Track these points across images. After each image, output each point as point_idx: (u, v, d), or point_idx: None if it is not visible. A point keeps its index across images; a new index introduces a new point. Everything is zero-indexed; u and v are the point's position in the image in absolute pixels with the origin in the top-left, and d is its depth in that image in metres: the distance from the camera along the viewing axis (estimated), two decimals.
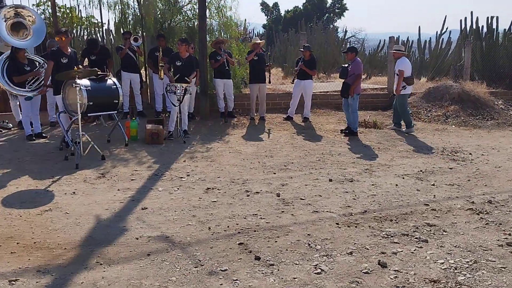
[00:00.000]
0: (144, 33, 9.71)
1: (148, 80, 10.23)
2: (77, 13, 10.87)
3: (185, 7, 10.49)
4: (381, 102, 12.03)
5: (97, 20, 11.36)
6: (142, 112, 9.55)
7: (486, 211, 4.74)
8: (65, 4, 10.50)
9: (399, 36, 23.04)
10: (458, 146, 8.08)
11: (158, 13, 9.41)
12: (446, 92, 11.39)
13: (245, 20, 25.01)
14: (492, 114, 10.77)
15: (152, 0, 9.42)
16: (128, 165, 6.26)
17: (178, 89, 7.59)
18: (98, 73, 6.85)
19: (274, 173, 6.04)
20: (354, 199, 5.08)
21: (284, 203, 4.89)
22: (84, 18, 11.05)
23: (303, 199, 5.01)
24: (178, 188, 5.30)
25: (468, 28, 17.44)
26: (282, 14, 44.97)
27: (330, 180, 5.74)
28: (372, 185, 5.62)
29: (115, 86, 6.90)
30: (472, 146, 8.11)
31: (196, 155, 6.92)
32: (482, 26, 17.18)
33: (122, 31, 9.75)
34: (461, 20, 17.37)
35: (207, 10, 10.44)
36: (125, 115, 9.33)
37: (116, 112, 7.05)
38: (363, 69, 9.14)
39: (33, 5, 10.32)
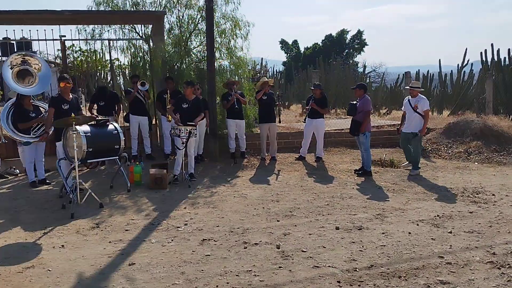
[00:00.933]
0: (152, 76, 9.67)
1: (157, 123, 10.14)
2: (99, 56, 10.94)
3: (195, 49, 10.49)
4: (397, 139, 11.58)
5: (120, 61, 11.43)
6: (151, 155, 9.40)
7: (508, 264, 4.24)
8: (89, 48, 10.58)
9: (418, 70, 22.75)
10: (481, 186, 7.56)
11: (167, 55, 9.36)
12: (467, 127, 10.91)
13: (262, 58, 25.32)
14: None
15: (160, 44, 9.42)
16: (126, 214, 6.00)
17: (182, 132, 7.40)
18: (98, 118, 6.73)
19: (278, 221, 5.67)
20: (361, 250, 4.65)
21: (284, 256, 4.50)
22: (107, 61, 11.11)
23: (305, 251, 4.61)
24: (172, 240, 4.99)
25: (490, 60, 17.00)
26: (301, 51, 45.31)
27: (337, 228, 5.34)
28: (383, 233, 5.18)
29: (116, 131, 6.75)
30: (495, 185, 7.57)
31: (198, 201, 6.63)
32: (504, 58, 16.74)
33: (130, 75, 9.73)
34: (481, 53, 16.96)
35: (218, 51, 10.41)
36: (134, 157, 9.19)
37: (117, 157, 6.87)
38: (372, 106, 8.80)
39: (58, 50, 10.36)
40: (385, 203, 6.52)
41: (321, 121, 9.56)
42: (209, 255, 4.52)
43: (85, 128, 6.46)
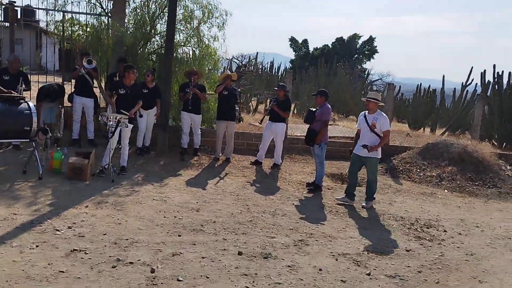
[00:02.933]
0: (101, 56, 8.91)
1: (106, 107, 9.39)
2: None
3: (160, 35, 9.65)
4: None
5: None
6: (93, 141, 8.65)
7: None
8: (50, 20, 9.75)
9: (420, 84, 21.82)
10: (437, 218, 6.74)
11: (121, 36, 8.58)
12: (446, 150, 10.05)
13: (257, 53, 24.47)
14: (495, 181, 9.31)
15: (116, 22, 8.66)
16: (13, 206, 5.28)
17: (110, 120, 6.66)
18: (13, 95, 6.01)
19: (179, 235, 4.92)
20: (247, 287, 3.89)
21: (151, 284, 3.75)
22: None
23: (181, 281, 3.86)
24: (37, 246, 4.26)
25: (491, 82, 16.02)
26: (311, 51, 44.37)
27: (240, 254, 4.57)
28: (289, 266, 4.41)
29: (28, 111, 6.02)
30: (454, 220, 6.76)
31: (108, 199, 5.89)
32: (508, 81, 15.75)
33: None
34: (481, 73, 16.00)
35: (184, 37, 9.65)
36: (73, 143, 8.47)
37: (28, 140, 6.15)
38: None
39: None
40: (317, 227, 5.75)
41: (281, 126, 8.76)
42: (62, 272, 3.79)
43: None
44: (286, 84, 10.43)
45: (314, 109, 7.84)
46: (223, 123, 8.83)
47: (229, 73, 8.91)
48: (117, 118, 6.65)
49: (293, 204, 6.72)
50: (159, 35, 9.56)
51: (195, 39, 9.78)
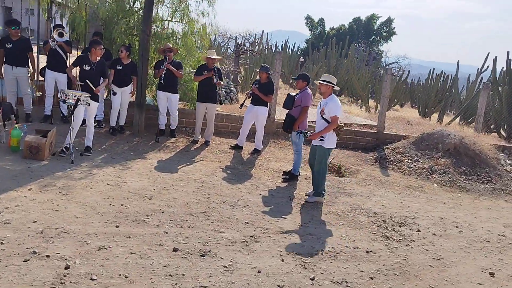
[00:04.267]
0: (76, 30, 8.50)
1: None
2: None
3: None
4: (366, 142, 10.29)
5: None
6: (66, 117, 8.33)
7: None
8: None
9: (433, 69, 20.92)
10: (414, 216, 6.28)
11: (96, 8, 8.16)
12: (441, 141, 9.48)
13: (263, 31, 23.78)
14: (491, 176, 8.75)
15: None
16: None
17: (69, 98, 6.30)
18: None
19: (117, 226, 4.58)
20: None
21: (59, 282, 3.42)
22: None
23: (94, 280, 3.52)
24: None
25: (504, 69, 15.17)
26: (327, 31, 43.25)
27: (175, 250, 4.21)
28: (225, 267, 4.04)
29: None
30: (432, 218, 6.28)
31: (57, 182, 5.56)
32: None
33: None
34: (494, 60, 15.12)
35: (165, 11, 9.19)
36: (45, 118, 8.17)
37: None
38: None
39: None
40: (276, 222, 5.35)
41: (263, 110, 8.30)
42: None
43: None
44: (276, 65, 9.94)
45: (294, 94, 7.35)
46: (202, 105, 8.41)
47: (215, 56, 8.34)
48: (76, 96, 6.28)
49: (260, 194, 6.32)
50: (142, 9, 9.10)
51: (180, 14, 9.30)
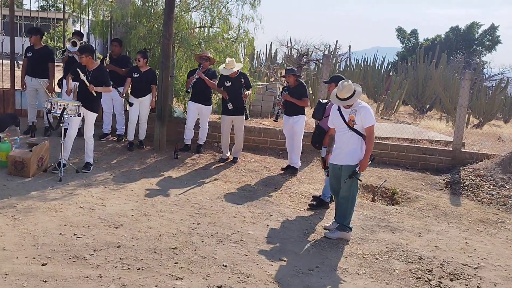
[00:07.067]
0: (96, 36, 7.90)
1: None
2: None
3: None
4: (437, 162, 8.39)
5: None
6: (51, 129, 7.61)
7: None
8: None
9: None
10: (477, 264, 4.51)
11: (109, 11, 7.49)
12: None
13: (336, 41, 22.18)
14: None
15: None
16: None
17: (54, 107, 5.54)
18: None
19: (44, 265, 3.57)
20: None
21: None
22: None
23: None
24: None
25: None
26: (420, 42, 40.18)
27: None
28: None
29: None
30: (505, 269, 4.46)
31: (21, 204, 4.75)
32: None
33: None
34: None
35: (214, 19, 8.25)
36: (46, 130, 7.56)
37: None
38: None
39: None
40: (269, 266, 3.99)
41: (299, 119, 6.97)
42: None
43: None
44: (323, 72, 8.54)
45: (324, 101, 5.95)
46: (228, 118, 7.28)
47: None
48: (62, 105, 5.50)
49: (268, 226, 4.98)
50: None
51: (213, 15, 8.33)
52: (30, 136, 7.33)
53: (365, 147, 4.69)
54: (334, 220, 5.02)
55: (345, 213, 4.81)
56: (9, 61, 8.55)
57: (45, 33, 7.69)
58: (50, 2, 24.57)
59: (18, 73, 8.38)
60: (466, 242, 5.11)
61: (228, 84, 7.05)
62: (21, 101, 7.93)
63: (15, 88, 8.35)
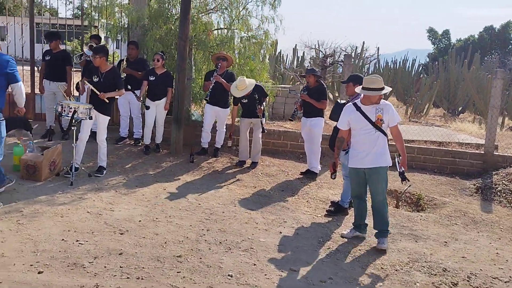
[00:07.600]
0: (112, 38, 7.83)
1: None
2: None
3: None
4: (468, 166, 7.92)
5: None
6: (66, 132, 7.56)
7: None
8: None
9: None
10: (508, 278, 4.12)
11: (125, 13, 7.41)
12: None
13: (363, 42, 21.66)
14: None
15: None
16: None
17: (65, 110, 5.46)
18: None
19: (40, 273, 3.43)
20: None
21: None
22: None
23: None
24: None
25: None
26: (453, 43, 39.04)
27: None
28: None
29: None
30: None
31: (28, 208, 4.66)
32: None
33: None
34: None
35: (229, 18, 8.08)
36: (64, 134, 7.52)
37: None
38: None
39: None
40: (278, 276, 3.74)
41: (318, 122, 6.70)
42: None
43: None
44: (345, 72, 8.23)
45: (343, 102, 5.66)
46: (246, 121, 7.07)
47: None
48: (73, 107, 5.41)
49: (281, 233, 4.72)
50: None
51: (232, 17, 8.15)
52: (47, 140, 7.33)
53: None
54: (352, 227, 4.73)
55: (386, 217, 4.57)
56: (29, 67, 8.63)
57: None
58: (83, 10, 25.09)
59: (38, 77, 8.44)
60: (497, 253, 4.71)
61: (244, 101, 6.86)
62: (41, 105, 7.95)
63: (35, 92, 8.40)
